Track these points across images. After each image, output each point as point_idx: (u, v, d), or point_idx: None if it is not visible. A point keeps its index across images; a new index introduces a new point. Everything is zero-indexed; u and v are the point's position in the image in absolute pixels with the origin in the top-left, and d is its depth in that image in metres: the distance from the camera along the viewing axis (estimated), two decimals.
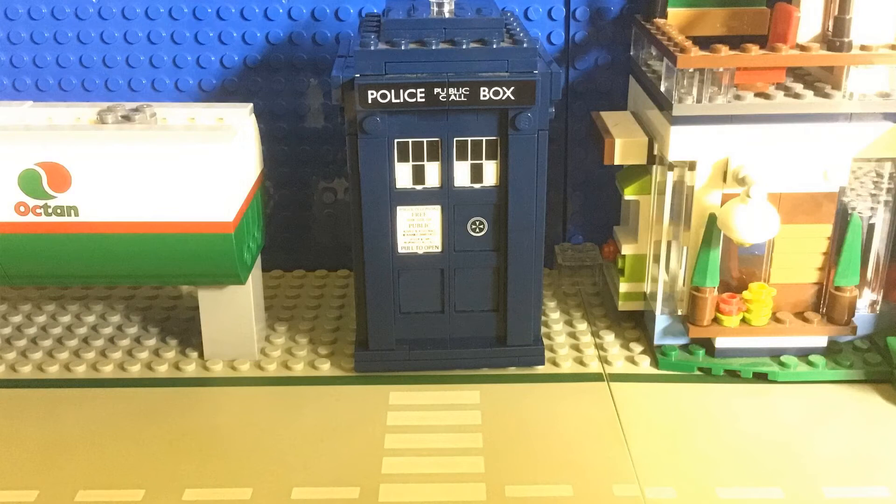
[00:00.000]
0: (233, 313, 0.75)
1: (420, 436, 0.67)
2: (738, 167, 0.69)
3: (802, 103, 0.69)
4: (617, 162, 0.76)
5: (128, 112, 0.72)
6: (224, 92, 0.88)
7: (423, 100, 0.65)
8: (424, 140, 0.68)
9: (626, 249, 0.79)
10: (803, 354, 0.75)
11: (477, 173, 0.70)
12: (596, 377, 0.74)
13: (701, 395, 0.72)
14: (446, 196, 0.70)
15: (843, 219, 0.72)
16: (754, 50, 0.68)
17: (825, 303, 0.74)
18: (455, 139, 0.68)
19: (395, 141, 0.68)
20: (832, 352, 0.75)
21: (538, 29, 0.87)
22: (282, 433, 0.67)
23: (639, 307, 0.80)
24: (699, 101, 0.69)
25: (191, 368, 0.76)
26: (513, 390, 0.73)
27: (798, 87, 0.70)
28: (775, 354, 0.75)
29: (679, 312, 0.75)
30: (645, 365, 0.76)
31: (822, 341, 0.75)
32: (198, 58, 0.87)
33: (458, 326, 0.74)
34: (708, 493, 0.61)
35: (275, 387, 0.74)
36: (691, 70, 0.68)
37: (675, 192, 0.72)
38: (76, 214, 0.68)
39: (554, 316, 0.83)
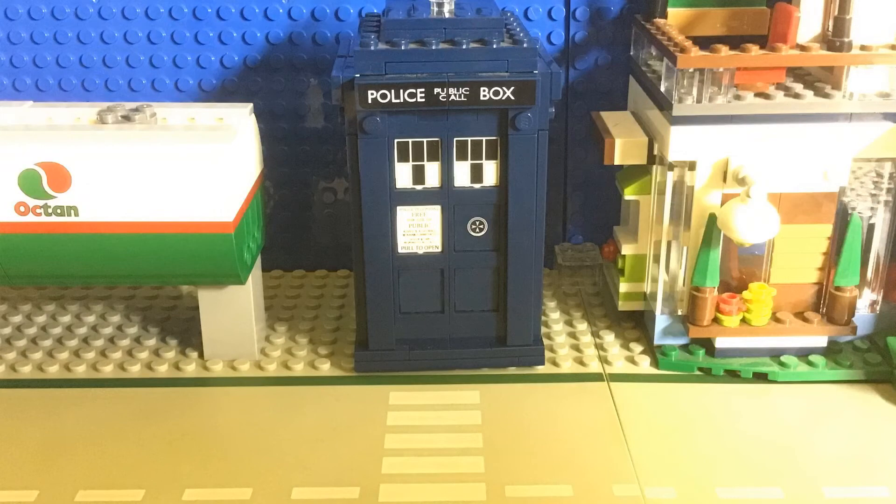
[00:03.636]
0: (233, 313, 0.75)
1: (420, 436, 0.67)
2: (738, 167, 0.69)
3: (802, 103, 0.69)
4: (617, 162, 0.76)
5: (128, 112, 0.72)
6: (224, 92, 0.88)
7: (423, 100, 0.65)
8: (424, 140, 0.68)
9: (626, 249, 0.79)
10: (803, 354, 0.75)
11: (477, 174, 0.70)
12: (596, 377, 0.74)
13: (701, 395, 0.72)
14: (446, 196, 0.70)
15: (843, 219, 0.72)
16: (754, 50, 0.68)
17: (825, 303, 0.74)
18: (455, 139, 0.68)
19: (396, 141, 0.68)
20: (832, 352, 0.75)
21: (538, 29, 0.87)
22: (282, 433, 0.67)
23: (639, 307, 0.80)
24: (699, 101, 0.69)
25: (191, 368, 0.76)
26: (513, 390, 0.73)
27: (798, 87, 0.70)
28: (775, 354, 0.75)
29: (679, 312, 0.75)
30: (645, 365, 0.76)
31: (822, 341, 0.75)
32: (198, 58, 0.87)
33: (458, 326, 0.74)
34: (708, 493, 0.61)
35: (275, 387, 0.74)
36: (691, 70, 0.68)
37: (675, 192, 0.72)
38: (76, 214, 0.68)
39: (554, 316, 0.83)
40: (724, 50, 0.68)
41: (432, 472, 0.63)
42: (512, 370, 0.75)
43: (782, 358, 0.74)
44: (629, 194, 0.77)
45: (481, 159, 0.69)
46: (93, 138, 0.68)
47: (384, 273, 0.72)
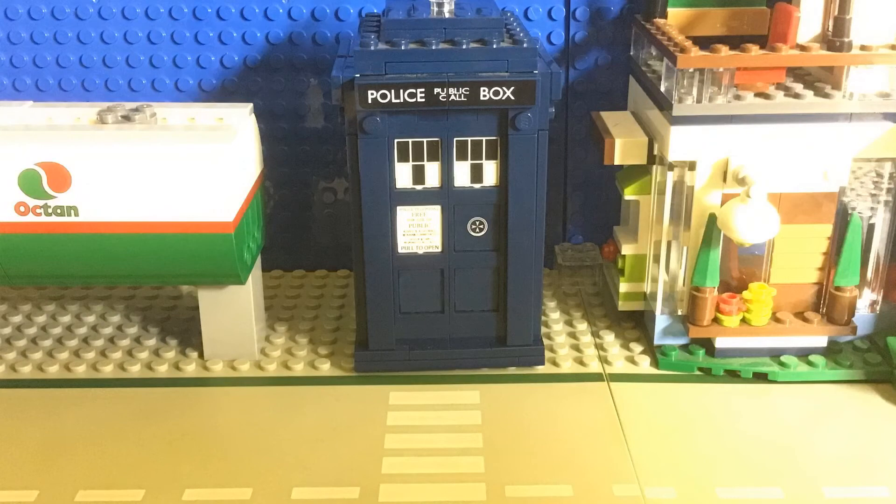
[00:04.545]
0: (233, 313, 0.75)
1: (420, 436, 0.67)
2: (738, 167, 0.69)
3: (802, 103, 0.69)
4: (617, 162, 0.76)
5: (128, 112, 0.72)
6: (224, 92, 0.88)
7: (424, 100, 0.65)
8: (424, 140, 0.68)
9: (626, 249, 0.79)
10: (803, 354, 0.75)
11: (477, 173, 0.70)
12: (596, 377, 0.74)
13: (701, 395, 0.72)
14: (446, 196, 0.70)
15: (843, 219, 0.72)
16: (754, 50, 0.68)
17: (825, 303, 0.74)
18: (455, 139, 0.68)
19: (396, 141, 0.68)
20: (832, 352, 0.75)
21: (538, 29, 0.87)
22: (282, 433, 0.67)
23: (639, 307, 0.80)
24: (699, 101, 0.69)
25: (191, 368, 0.76)
26: (513, 390, 0.73)
27: (798, 87, 0.70)
28: (775, 354, 0.75)
29: (679, 312, 0.75)
30: (645, 365, 0.76)
31: (822, 341, 0.75)
32: (198, 58, 0.87)
33: (459, 326, 0.74)
34: (708, 493, 0.61)
35: (275, 387, 0.74)
36: (691, 70, 0.68)
37: (675, 192, 0.72)
38: (76, 214, 0.68)
39: (554, 316, 0.83)
40: (724, 50, 0.68)
41: (432, 472, 0.63)
42: (512, 370, 0.75)
43: (782, 358, 0.74)
44: (629, 194, 0.77)
45: (481, 159, 0.69)
46: (93, 138, 0.68)
47: (384, 273, 0.72)
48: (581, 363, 0.76)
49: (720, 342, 0.74)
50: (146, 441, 0.66)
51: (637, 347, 0.78)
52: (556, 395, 0.72)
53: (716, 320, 0.73)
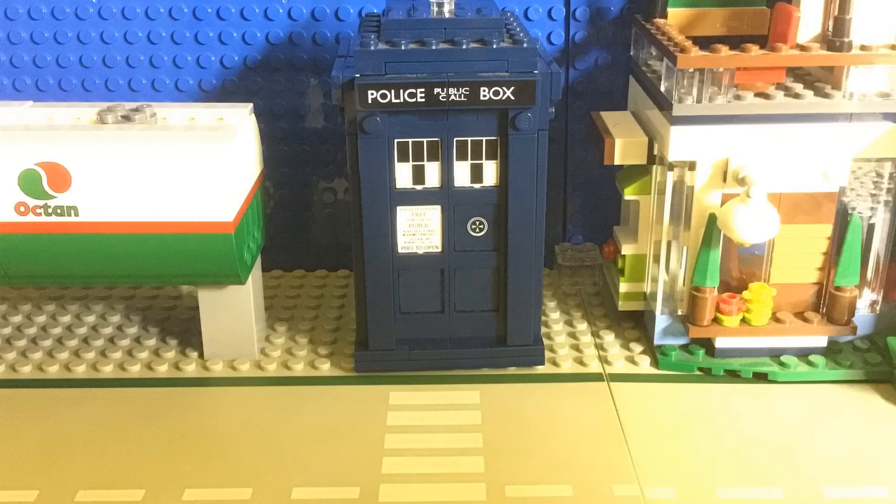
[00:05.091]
0: (233, 313, 0.75)
1: (420, 436, 0.67)
2: (738, 167, 0.69)
3: (802, 103, 0.69)
4: (617, 162, 0.76)
5: (128, 112, 0.72)
6: (224, 92, 0.88)
7: (423, 100, 0.65)
8: (424, 140, 0.68)
9: (626, 249, 0.79)
10: (803, 354, 0.75)
11: (477, 173, 0.70)
12: (596, 377, 0.74)
13: (701, 395, 0.72)
14: (446, 196, 0.70)
15: (843, 219, 0.72)
16: (754, 50, 0.68)
17: (825, 303, 0.74)
18: (455, 139, 0.68)
19: (396, 141, 0.68)
20: (832, 352, 0.75)
21: (538, 29, 0.87)
22: (282, 433, 0.67)
23: (639, 307, 0.80)
24: (699, 101, 0.69)
25: (191, 368, 0.76)
26: (513, 390, 0.73)
27: (798, 87, 0.70)
28: (775, 354, 0.75)
29: (679, 312, 0.75)
30: (645, 365, 0.76)
31: (822, 341, 0.75)
32: (198, 58, 0.87)
33: (459, 326, 0.74)
34: (708, 493, 0.61)
35: (275, 387, 0.74)
36: (691, 70, 0.68)
37: (675, 192, 0.72)
38: (76, 214, 0.68)
39: (554, 316, 0.83)
40: (724, 50, 0.68)
41: (432, 472, 0.63)
42: (512, 370, 0.75)
43: (782, 358, 0.74)
44: (629, 194, 0.77)
45: (481, 159, 0.69)
46: (93, 138, 0.68)
47: (384, 273, 0.72)
48: (581, 363, 0.76)
49: (720, 342, 0.74)
50: (146, 441, 0.66)
51: (637, 347, 0.78)
52: (556, 395, 0.72)
53: (716, 320, 0.73)
